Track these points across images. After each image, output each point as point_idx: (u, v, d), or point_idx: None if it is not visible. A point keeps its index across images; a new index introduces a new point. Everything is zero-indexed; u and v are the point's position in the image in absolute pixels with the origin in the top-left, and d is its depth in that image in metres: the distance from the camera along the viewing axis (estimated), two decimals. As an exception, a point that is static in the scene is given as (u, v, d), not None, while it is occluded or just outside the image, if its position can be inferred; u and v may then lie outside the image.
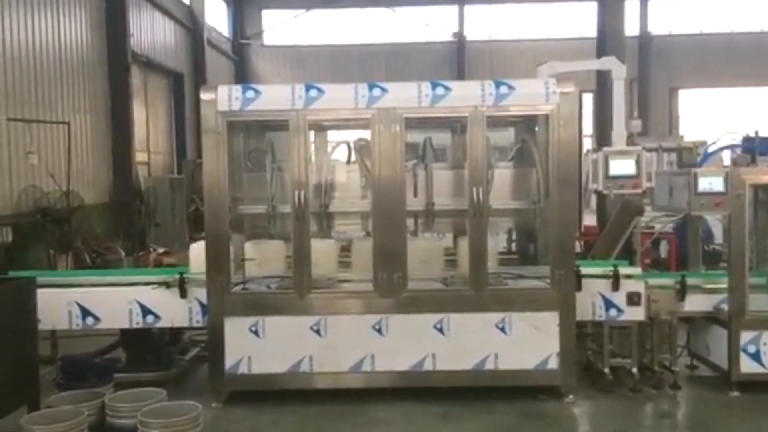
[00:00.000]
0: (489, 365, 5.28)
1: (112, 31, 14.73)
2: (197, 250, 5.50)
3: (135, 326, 5.67)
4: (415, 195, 5.85)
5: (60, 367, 5.18)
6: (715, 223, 8.41)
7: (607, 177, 7.24)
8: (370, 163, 5.36)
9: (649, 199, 7.73)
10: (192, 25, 21.12)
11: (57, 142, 11.90)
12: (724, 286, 5.54)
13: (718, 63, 24.64)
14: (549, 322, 5.26)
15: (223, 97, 5.26)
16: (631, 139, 8.91)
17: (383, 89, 5.27)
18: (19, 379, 4.61)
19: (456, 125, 6.10)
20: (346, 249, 6.07)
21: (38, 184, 10.81)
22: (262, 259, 5.72)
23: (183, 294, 5.56)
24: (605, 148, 7.45)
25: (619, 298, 5.54)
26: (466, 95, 5.29)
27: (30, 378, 4.71)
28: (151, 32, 18.04)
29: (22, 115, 10.96)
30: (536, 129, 5.86)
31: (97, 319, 5.63)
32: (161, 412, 4.31)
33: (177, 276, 5.61)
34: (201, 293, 5.48)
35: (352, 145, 5.97)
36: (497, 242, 6.32)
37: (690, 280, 5.72)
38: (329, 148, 6.16)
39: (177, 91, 20.56)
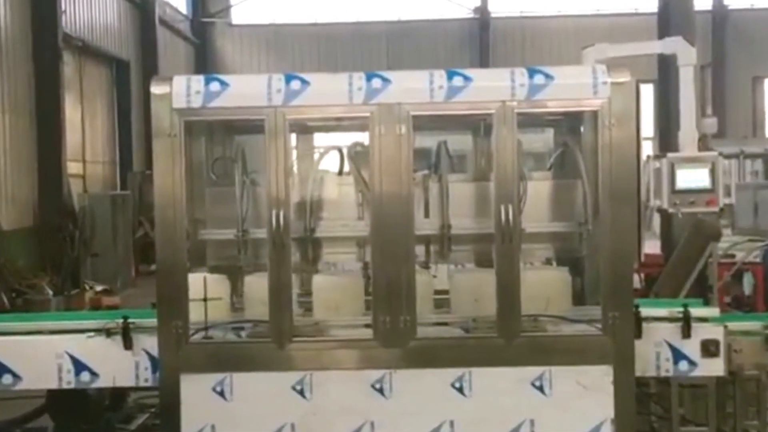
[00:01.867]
0: (523, 435, 5.25)
1: (37, 7, 14.82)
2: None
3: (66, 386, 5.64)
4: (426, 215, 5.87)
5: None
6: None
7: (674, 191, 7.25)
8: (369, 175, 5.36)
9: (728, 219, 7.74)
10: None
11: (-36, 149, 11.98)
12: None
13: (814, 44, 24.78)
14: (600, 378, 5.23)
15: (179, 91, 5.27)
16: (703, 143, 8.93)
17: (385, 80, 5.28)
18: None
19: (478, 126, 6.11)
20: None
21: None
22: (230, 297, 5.72)
23: (128, 344, 5.55)
24: (670, 155, 7.48)
25: (692, 348, 5.51)
26: (491, 87, 5.31)
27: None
28: (88, 8, 18.21)
29: None
30: (581, 130, 5.89)
31: (16, 377, 5.59)
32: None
33: (120, 321, 5.58)
34: (151, 343, 5.47)
35: (345, 151, 5.96)
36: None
37: (783, 324, 5.66)
38: (316, 156, 6.19)
39: (121, 84, 20.74)
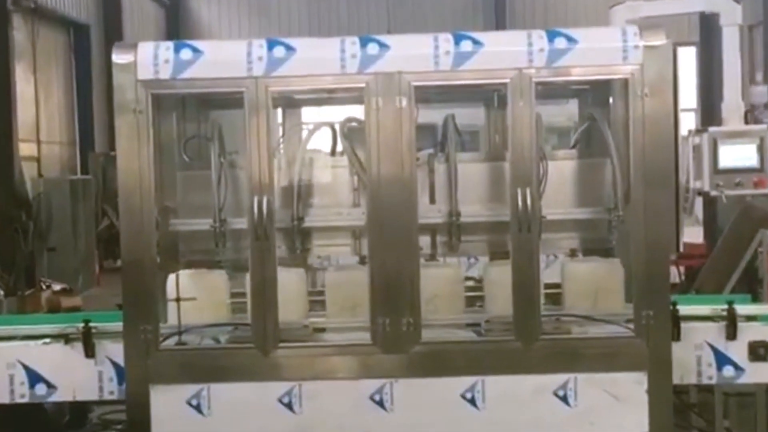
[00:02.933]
0: (545, 452, 5.29)
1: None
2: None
3: (19, 400, 5.64)
4: (432, 201, 5.89)
5: None
6: None
7: (717, 171, 7.24)
8: (365, 155, 5.38)
9: (781, 203, 7.73)
10: (101, -47, 21.26)
11: None
12: None
13: None
14: (633, 387, 5.26)
15: (146, 60, 5.27)
16: (752, 115, 8.92)
17: (383, 45, 5.28)
18: None
19: (491, 97, 6.11)
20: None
21: None
22: (206, 298, 5.70)
23: (90, 352, 5.56)
24: (713, 129, 7.48)
25: (738, 351, 5.53)
26: (505, 53, 5.31)
27: None
28: (40, -36, 18.12)
29: None
30: (610, 101, 5.90)
31: (-40, 391, 5.58)
32: None
33: (81, 325, 5.59)
34: (116, 350, 5.49)
35: (337, 128, 5.98)
36: (554, 269, 6.21)
37: None
38: (304, 134, 6.17)
39: (80, 52, 20.71)
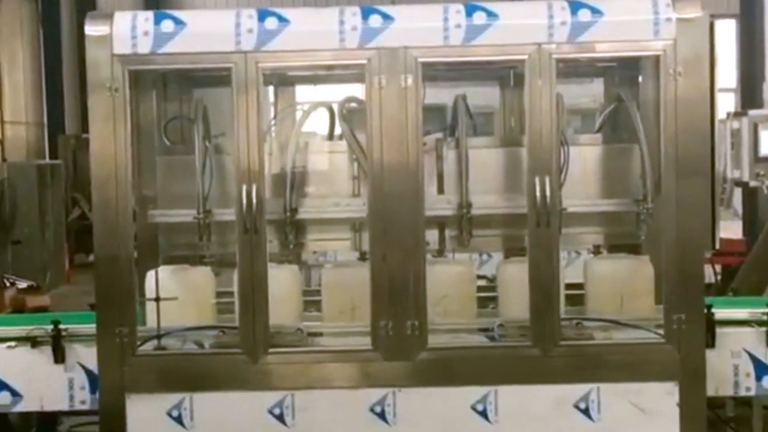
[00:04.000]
0: (564, 471, 5.32)
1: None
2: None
3: (-20, 410, 5.68)
4: (440, 191, 5.91)
5: None
6: None
7: (758, 159, 7.22)
8: (366, 139, 5.39)
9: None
10: None
11: None
12: None
13: None
14: (663, 399, 5.28)
15: (123, 32, 5.27)
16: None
17: (386, 17, 5.28)
18: None
19: (507, 76, 6.14)
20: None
21: None
22: (189, 297, 5.70)
23: (59, 357, 5.57)
24: (753, 112, 7.45)
25: (779, 359, 5.58)
26: (522, 26, 5.32)
27: None
28: (4, -76, 18.09)
29: None
30: (639, 81, 5.92)
31: None
32: None
33: (49, 328, 5.60)
34: (89, 356, 5.51)
35: (336, 109, 5.98)
36: (576, 267, 6.26)
37: None
38: (298, 115, 6.16)
39: (49, 23, 20.64)
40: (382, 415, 5.33)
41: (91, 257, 5.57)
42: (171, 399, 5.33)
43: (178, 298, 5.51)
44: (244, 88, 5.26)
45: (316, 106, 6.14)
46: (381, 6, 5.39)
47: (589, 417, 5.31)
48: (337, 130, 6.06)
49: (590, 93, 6.67)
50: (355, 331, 5.55)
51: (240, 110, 5.27)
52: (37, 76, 20.41)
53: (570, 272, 5.90)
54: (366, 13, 5.30)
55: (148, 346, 5.41)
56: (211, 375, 5.36)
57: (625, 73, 6.10)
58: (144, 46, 5.27)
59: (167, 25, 5.28)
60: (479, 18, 5.27)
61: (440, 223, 5.94)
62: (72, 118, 20.47)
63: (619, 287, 5.71)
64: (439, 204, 5.83)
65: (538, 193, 5.23)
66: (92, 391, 5.56)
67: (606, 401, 5.29)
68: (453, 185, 5.91)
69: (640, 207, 5.81)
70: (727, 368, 5.53)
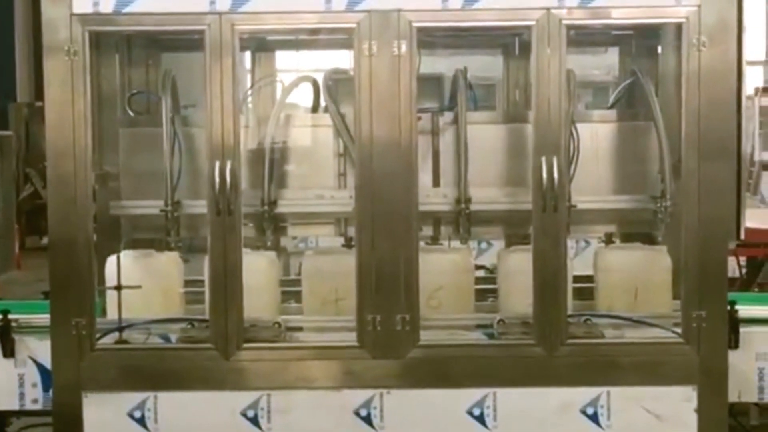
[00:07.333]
0: (570, 483, 5.40)
1: None
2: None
3: None
4: (436, 180, 5.94)
5: None
6: None
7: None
8: (354, 115, 5.33)
9: None
10: None
11: None
12: None
13: None
14: (679, 404, 5.28)
15: (82, -10, 5.29)
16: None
17: (379, -24, 5.30)
18: None
19: (512, 44, 6.22)
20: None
21: None
22: (155, 286, 5.75)
23: (8, 351, 5.63)
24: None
25: (809, 363, 5.68)
26: (529, -12, 5.36)
27: None
28: None
29: None
30: (658, 52, 6.03)
31: None
32: None
33: (-3, 318, 5.69)
34: (41, 349, 5.54)
35: (321, 81, 6.00)
36: (585, 258, 6.41)
37: None
38: (279, 86, 6.23)
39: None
40: (368, 419, 5.35)
41: (45, 240, 5.57)
42: (133, 398, 5.35)
43: (142, 286, 5.56)
44: (218, 53, 5.23)
45: (298, 79, 6.19)
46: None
47: (598, 424, 5.32)
48: (322, 105, 6.10)
49: (604, 64, 6.78)
50: (338, 326, 5.59)
51: (213, 78, 5.25)
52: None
53: (579, 263, 5.96)
54: (356, -28, 5.34)
55: (108, 340, 5.43)
56: (178, 372, 5.36)
57: (642, 42, 6.17)
58: (107, 5, 5.22)
59: (133, -18, 5.34)
60: (482, -22, 5.32)
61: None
62: (24, 84, 20.47)
63: (632, 280, 5.75)
64: (433, 190, 5.90)
65: (544, 175, 5.19)
66: (45, 388, 5.62)
67: (617, 407, 5.31)
68: (450, 165, 5.94)
69: (657, 193, 5.83)
70: (752, 371, 5.59)
